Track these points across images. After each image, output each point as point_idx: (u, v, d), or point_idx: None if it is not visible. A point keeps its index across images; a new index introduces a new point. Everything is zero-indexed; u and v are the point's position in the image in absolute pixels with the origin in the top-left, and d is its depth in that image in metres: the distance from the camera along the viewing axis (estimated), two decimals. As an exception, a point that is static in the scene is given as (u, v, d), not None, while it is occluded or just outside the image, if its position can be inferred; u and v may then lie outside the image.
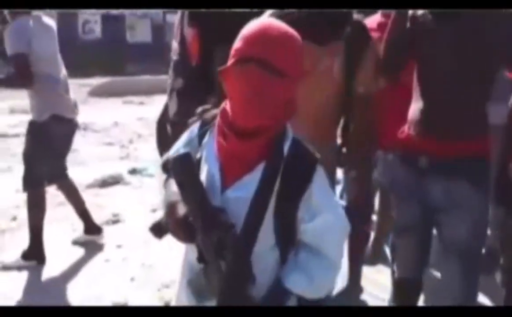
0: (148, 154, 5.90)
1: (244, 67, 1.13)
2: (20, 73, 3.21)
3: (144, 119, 8.31)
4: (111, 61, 15.56)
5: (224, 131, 1.21)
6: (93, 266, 3.37)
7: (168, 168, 1.33)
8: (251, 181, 1.20)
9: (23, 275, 3.20)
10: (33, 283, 3.13)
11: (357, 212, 2.16)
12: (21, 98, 11.27)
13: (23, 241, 3.44)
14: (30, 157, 3.35)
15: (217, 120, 1.25)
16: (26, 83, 3.27)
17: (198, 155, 1.29)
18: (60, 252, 3.47)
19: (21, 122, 8.45)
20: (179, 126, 1.57)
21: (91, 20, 17.58)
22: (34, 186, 3.33)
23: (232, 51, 1.17)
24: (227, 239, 1.12)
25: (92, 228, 3.64)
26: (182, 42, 2.45)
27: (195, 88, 2.38)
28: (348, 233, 1.30)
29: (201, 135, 1.31)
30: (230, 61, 1.16)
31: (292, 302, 1.24)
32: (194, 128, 1.33)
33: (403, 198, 2.11)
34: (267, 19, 1.31)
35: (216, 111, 1.29)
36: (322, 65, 1.87)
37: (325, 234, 1.23)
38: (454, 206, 1.90)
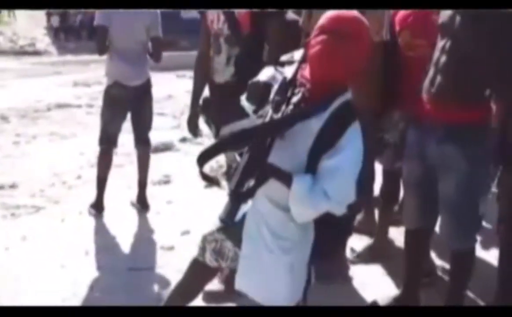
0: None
1: (318, 38, 1.57)
2: (97, 43, 3.72)
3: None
4: (166, 36, 16.13)
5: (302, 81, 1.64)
6: (145, 217, 3.84)
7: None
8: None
9: (88, 221, 3.72)
10: (96, 228, 3.64)
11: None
12: (82, 72, 12.19)
13: (86, 195, 3.96)
14: (101, 117, 3.87)
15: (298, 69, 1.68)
16: (100, 52, 3.76)
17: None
18: (117, 204, 3.96)
19: (83, 94, 9.18)
20: (238, 86, 1.98)
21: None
22: (103, 142, 3.81)
23: (316, 26, 1.61)
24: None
25: (143, 201, 3.93)
26: (230, 19, 2.80)
27: (250, 53, 2.75)
28: (354, 182, 1.59)
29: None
30: (314, 34, 1.60)
31: (286, 215, 1.61)
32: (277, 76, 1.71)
33: (409, 156, 2.41)
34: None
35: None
36: None
37: (334, 175, 1.54)
38: (446, 166, 2.18)
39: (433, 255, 3.09)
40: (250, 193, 1.63)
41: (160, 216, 3.85)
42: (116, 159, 5.03)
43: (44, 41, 20.54)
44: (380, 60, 2.64)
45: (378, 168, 3.29)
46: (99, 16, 3.68)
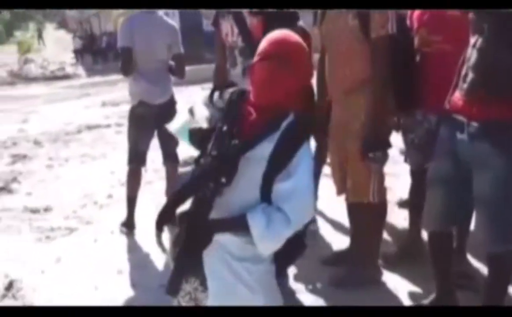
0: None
1: (259, 62, 1.55)
2: (122, 65, 3.77)
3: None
4: (189, 50, 16.32)
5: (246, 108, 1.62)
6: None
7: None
8: (253, 141, 1.58)
9: (120, 240, 3.76)
10: (128, 247, 3.68)
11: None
12: (110, 92, 12.45)
13: (118, 214, 4.01)
14: (128, 137, 3.93)
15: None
16: (125, 74, 3.82)
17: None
18: (148, 221, 3.98)
19: (112, 114, 9.37)
20: None
21: (169, 12, 18.51)
22: (132, 161, 3.87)
23: (258, 53, 1.59)
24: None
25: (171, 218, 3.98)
26: (243, 30, 2.81)
27: None
28: (312, 201, 1.63)
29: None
30: (255, 59, 1.57)
31: (243, 239, 1.55)
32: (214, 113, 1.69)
33: (438, 153, 2.33)
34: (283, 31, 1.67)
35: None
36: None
37: (291, 194, 1.52)
38: (481, 164, 2.10)
39: (469, 256, 3.00)
40: (196, 259, 1.61)
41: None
42: (146, 176, 5.13)
43: (73, 65, 21.07)
44: (388, 55, 2.60)
45: (406, 168, 3.22)
46: (122, 37, 3.74)
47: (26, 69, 20.08)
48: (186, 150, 5.43)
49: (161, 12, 3.86)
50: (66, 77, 18.70)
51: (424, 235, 3.17)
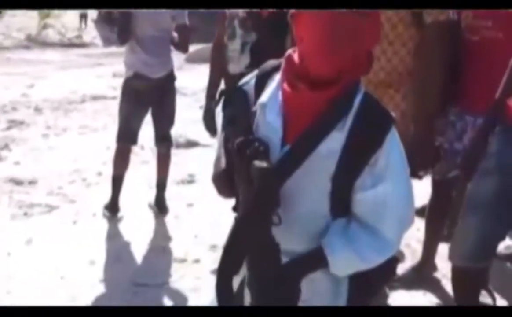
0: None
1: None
2: (118, 30, 3.42)
3: (233, 85, 8.40)
4: (206, 28, 15.96)
5: (291, 81, 1.10)
6: (162, 221, 3.51)
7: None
8: (312, 134, 1.08)
9: (101, 225, 3.42)
10: (107, 234, 3.33)
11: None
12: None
13: (104, 194, 3.66)
14: (119, 111, 3.56)
15: (282, 70, 1.14)
16: (121, 41, 3.47)
17: (254, 109, 1.16)
18: (134, 205, 3.64)
19: (120, 86, 9.04)
20: None
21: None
22: (121, 139, 3.51)
23: None
24: (258, 166, 1.02)
25: (161, 204, 3.59)
26: None
27: (268, 41, 2.38)
28: (413, 210, 1.14)
29: (258, 88, 1.18)
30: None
31: (323, 273, 1.12)
32: (250, 80, 1.21)
33: (484, 168, 1.86)
34: None
35: (276, 62, 1.18)
36: None
37: (383, 207, 1.09)
38: None
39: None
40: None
41: (178, 221, 3.50)
42: (143, 155, 4.79)
43: (91, 34, 20.78)
44: (446, 44, 2.11)
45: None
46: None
47: (43, 35, 19.89)
48: (181, 131, 5.13)
49: None
50: (83, 45, 18.47)
51: (440, 257, 2.76)
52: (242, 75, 2.32)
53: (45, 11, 28.18)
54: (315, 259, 1.11)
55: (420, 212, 3.26)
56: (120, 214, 3.50)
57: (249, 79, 1.21)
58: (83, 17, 23.77)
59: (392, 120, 1.10)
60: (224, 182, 1.16)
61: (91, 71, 11.24)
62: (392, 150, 1.09)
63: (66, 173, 4.41)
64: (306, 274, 1.11)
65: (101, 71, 11.11)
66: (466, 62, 2.25)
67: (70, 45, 18.38)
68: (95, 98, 7.86)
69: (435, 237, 2.69)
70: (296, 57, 1.11)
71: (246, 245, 1.08)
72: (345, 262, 1.11)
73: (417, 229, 3.13)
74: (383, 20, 2.11)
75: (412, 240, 3.22)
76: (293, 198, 1.09)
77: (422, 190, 3.30)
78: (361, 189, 1.09)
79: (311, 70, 1.07)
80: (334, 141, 1.08)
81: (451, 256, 1.95)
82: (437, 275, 2.74)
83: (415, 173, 2.17)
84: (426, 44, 2.09)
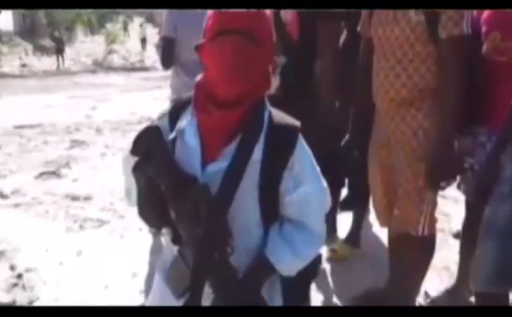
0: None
1: (225, 38, 1.16)
2: (161, 56, 3.58)
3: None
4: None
5: (203, 105, 1.23)
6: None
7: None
8: (231, 151, 1.20)
9: (146, 239, 3.59)
10: (151, 248, 3.50)
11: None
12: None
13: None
14: None
15: (193, 97, 1.26)
16: (164, 66, 3.62)
17: (171, 137, 1.26)
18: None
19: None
20: (283, 102, 1.66)
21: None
22: None
23: (208, 27, 1.20)
24: (201, 202, 1.14)
25: None
26: (276, 21, 2.52)
27: (299, 63, 2.47)
28: (328, 202, 1.29)
29: (172, 119, 1.29)
30: (208, 36, 1.19)
31: (274, 277, 1.26)
32: (163, 116, 1.32)
33: (502, 192, 1.86)
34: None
35: (187, 96, 1.30)
36: None
37: (307, 205, 1.22)
38: None
39: None
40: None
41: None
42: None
43: (152, 58, 21.70)
44: (462, 60, 2.13)
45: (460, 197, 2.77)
46: (165, 27, 3.56)
47: (109, 59, 20.99)
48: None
49: None
50: (144, 69, 19.30)
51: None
52: (271, 97, 2.46)
53: (111, 37, 29.85)
54: (265, 269, 1.23)
55: (458, 235, 3.22)
56: (164, 230, 3.65)
57: (162, 115, 1.33)
58: (143, 42, 24.86)
59: (298, 129, 1.24)
60: (155, 216, 1.30)
61: (150, 94, 11.75)
62: (303, 155, 1.24)
63: (118, 190, 4.67)
64: (262, 284, 1.23)
65: (159, 94, 11.58)
66: (494, 83, 2.24)
67: (132, 69, 19.26)
68: (151, 120, 8.21)
69: (470, 259, 2.63)
70: (204, 83, 1.24)
71: (205, 279, 1.19)
72: (290, 265, 1.24)
73: (457, 252, 3.08)
74: (402, 42, 2.18)
75: (452, 263, 3.16)
76: (228, 213, 1.20)
77: (460, 213, 3.27)
78: (287, 193, 1.23)
79: (218, 95, 1.20)
80: (254, 153, 1.20)
81: (472, 282, 1.93)
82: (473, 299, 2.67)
83: (438, 185, 2.19)
84: (442, 61, 2.12)
